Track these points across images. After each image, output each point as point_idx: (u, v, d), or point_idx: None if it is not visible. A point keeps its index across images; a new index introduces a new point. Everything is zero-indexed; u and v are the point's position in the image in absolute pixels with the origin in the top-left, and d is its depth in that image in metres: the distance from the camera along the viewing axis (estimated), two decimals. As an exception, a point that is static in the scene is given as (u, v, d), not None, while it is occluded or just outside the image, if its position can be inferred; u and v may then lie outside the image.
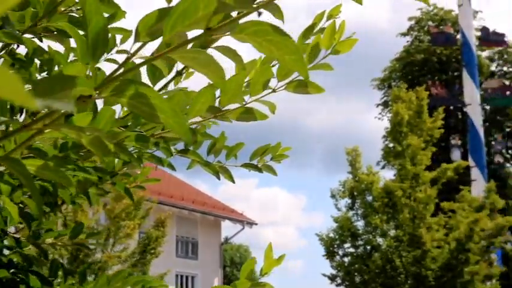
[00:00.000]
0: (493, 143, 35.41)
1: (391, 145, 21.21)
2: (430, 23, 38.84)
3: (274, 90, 1.40)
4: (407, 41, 39.60)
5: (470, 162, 28.91)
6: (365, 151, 60.26)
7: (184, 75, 1.70)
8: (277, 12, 0.90)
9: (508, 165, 37.20)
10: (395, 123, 20.05)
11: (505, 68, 39.52)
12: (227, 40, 0.88)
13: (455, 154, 30.42)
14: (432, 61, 37.67)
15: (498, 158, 35.19)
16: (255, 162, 1.99)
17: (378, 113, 39.93)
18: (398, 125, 19.91)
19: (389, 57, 39.82)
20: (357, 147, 20.83)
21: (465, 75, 31.27)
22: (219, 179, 2.00)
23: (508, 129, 37.89)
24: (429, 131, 20.00)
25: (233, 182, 2.06)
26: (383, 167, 28.15)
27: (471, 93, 30.84)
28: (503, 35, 34.12)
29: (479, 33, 34.40)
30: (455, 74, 36.16)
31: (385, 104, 37.59)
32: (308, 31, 1.56)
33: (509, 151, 37.60)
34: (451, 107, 34.72)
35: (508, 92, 33.03)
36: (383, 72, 39.49)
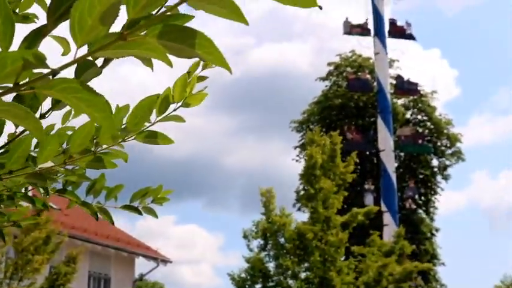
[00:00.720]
0: (406, 189, 36.17)
1: (305, 188, 21.51)
2: (348, 69, 39.65)
3: (124, 140, 1.43)
4: (326, 86, 40.30)
5: (383, 207, 29.49)
6: (283, 193, 60.71)
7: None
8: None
9: (420, 211, 38.02)
10: (309, 166, 20.31)
11: (419, 117, 40.56)
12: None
13: (368, 199, 30.93)
14: (349, 106, 38.39)
15: (410, 204, 35.94)
16: (136, 204, 2.01)
17: (295, 155, 40.31)
18: (312, 168, 20.17)
19: (310, 100, 40.36)
20: (271, 189, 20.98)
21: (380, 122, 32.01)
22: (97, 219, 2.01)
23: (421, 176, 38.78)
24: (342, 175, 20.34)
25: (112, 223, 2.08)
26: (299, 209, 28.40)
27: (385, 140, 31.55)
28: (416, 84, 35.16)
29: (395, 81, 35.33)
30: (372, 119, 36.91)
31: (302, 147, 38.03)
32: (184, 78, 1.60)
33: (422, 197, 38.45)
34: (367, 152, 35.42)
35: (420, 140, 33.95)
36: (302, 115, 40.02)
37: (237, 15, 0.80)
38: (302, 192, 21.54)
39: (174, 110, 1.51)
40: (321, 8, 0.83)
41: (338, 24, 33.68)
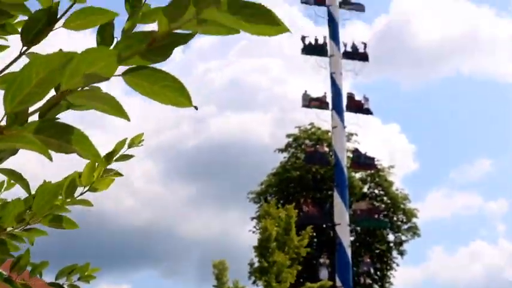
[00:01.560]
0: (361, 263, 36.12)
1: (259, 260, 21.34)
2: (307, 141, 39.96)
3: (28, 223, 1.40)
4: (285, 157, 40.51)
5: (338, 282, 29.30)
6: (238, 265, 60.11)
7: None
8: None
9: (375, 286, 37.92)
10: (264, 238, 20.24)
11: (376, 191, 40.86)
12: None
13: (323, 273, 30.73)
14: (307, 179, 38.55)
15: (366, 279, 35.84)
16: (63, 281, 1.97)
17: (252, 226, 40.16)
18: (266, 241, 20.09)
19: (268, 171, 40.49)
20: (224, 261, 20.80)
21: (336, 196, 32.12)
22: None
23: (376, 251, 38.81)
24: (296, 248, 20.28)
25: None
26: (254, 282, 28.11)
27: (341, 214, 31.59)
28: (373, 159, 35.51)
29: (352, 155, 35.66)
30: (329, 192, 37.05)
31: (259, 218, 37.89)
32: (109, 157, 1.57)
33: (378, 272, 38.38)
34: (323, 225, 35.42)
35: (376, 215, 34.08)
36: (260, 186, 40.04)
37: (118, 111, 0.77)
38: (256, 265, 21.33)
39: (81, 193, 1.49)
40: (290, 31, 0.80)
41: (299, 95, 34.00)
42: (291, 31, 0.71)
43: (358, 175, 39.65)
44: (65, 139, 0.78)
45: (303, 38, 33.71)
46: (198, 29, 0.71)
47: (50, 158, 0.82)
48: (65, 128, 0.77)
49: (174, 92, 0.74)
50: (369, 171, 38.45)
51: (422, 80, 69.10)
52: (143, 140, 1.69)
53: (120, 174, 1.52)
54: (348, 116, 34.23)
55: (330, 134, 38.15)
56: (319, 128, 40.28)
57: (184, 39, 0.74)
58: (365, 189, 40.36)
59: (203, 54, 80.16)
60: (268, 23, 0.71)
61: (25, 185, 1.36)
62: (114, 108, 0.77)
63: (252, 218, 39.51)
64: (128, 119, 0.78)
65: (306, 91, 34.26)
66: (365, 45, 34.48)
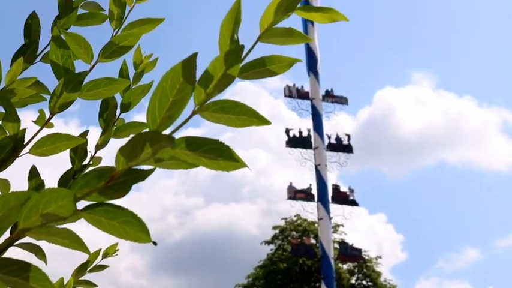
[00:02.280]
0: None
1: None
2: (293, 233, 39.85)
3: None
4: (271, 249, 40.28)
5: None
6: None
7: None
8: None
9: None
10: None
11: (364, 282, 40.50)
12: None
13: None
14: (294, 271, 38.28)
15: None
16: None
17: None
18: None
19: (255, 263, 40.15)
20: None
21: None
22: None
23: None
24: None
25: None
26: None
27: (329, 306, 31.21)
28: (360, 250, 35.38)
29: (339, 247, 35.52)
30: (317, 284, 36.72)
31: (247, 312, 37.42)
32: (82, 269, 1.56)
33: None
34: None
35: (365, 307, 33.71)
36: (247, 279, 39.66)
37: (79, 245, 0.76)
38: None
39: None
40: (250, 169, 0.80)
41: (284, 187, 34.04)
42: (249, 168, 0.72)
43: (345, 266, 39.37)
44: (23, 277, 0.77)
45: (287, 131, 34.05)
46: (157, 165, 0.72)
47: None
48: (23, 266, 0.76)
49: (133, 228, 0.74)
50: (356, 263, 38.23)
51: (407, 170, 69.47)
52: (118, 249, 1.68)
53: (106, 266, 1.51)
54: (334, 207, 34.23)
55: (316, 225, 38.07)
56: (305, 220, 40.18)
57: (144, 175, 0.74)
58: (353, 281, 39.99)
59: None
60: (227, 159, 0.71)
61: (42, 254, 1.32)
62: (75, 242, 0.77)
63: (239, 311, 38.95)
64: (88, 253, 0.77)
65: (291, 183, 34.32)
66: (349, 137, 34.82)
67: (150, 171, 0.74)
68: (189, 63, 0.57)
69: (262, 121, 0.73)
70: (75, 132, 1.04)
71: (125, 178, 0.72)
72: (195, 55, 0.57)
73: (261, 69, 0.63)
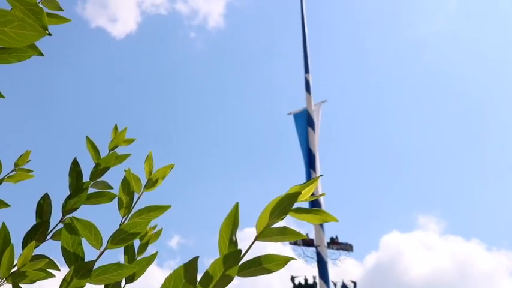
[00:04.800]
0: None
1: None
2: None
3: None
4: None
5: None
6: None
7: None
8: None
9: None
10: None
11: None
12: None
13: None
14: None
15: None
16: None
17: None
18: None
19: None
20: None
21: None
22: None
23: None
24: None
25: None
26: None
27: None
28: None
29: None
30: None
31: None
32: None
33: None
34: None
35: None
36: None
37: None
38: None
39: None
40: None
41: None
42: None
43: None
44: None
45: (293, 279, 33.54)
46: None
47: None
48: None
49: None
50: None
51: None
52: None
53: None
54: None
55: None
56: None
57: None
58: None
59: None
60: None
61: None
62: None
63: None
64: None
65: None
66: (355, 284, 34.32)
67: None
68: (191, 266, 0.62)
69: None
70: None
71: None
72: (195, 259, 0.63)
73: (258, 267, 0.67)
